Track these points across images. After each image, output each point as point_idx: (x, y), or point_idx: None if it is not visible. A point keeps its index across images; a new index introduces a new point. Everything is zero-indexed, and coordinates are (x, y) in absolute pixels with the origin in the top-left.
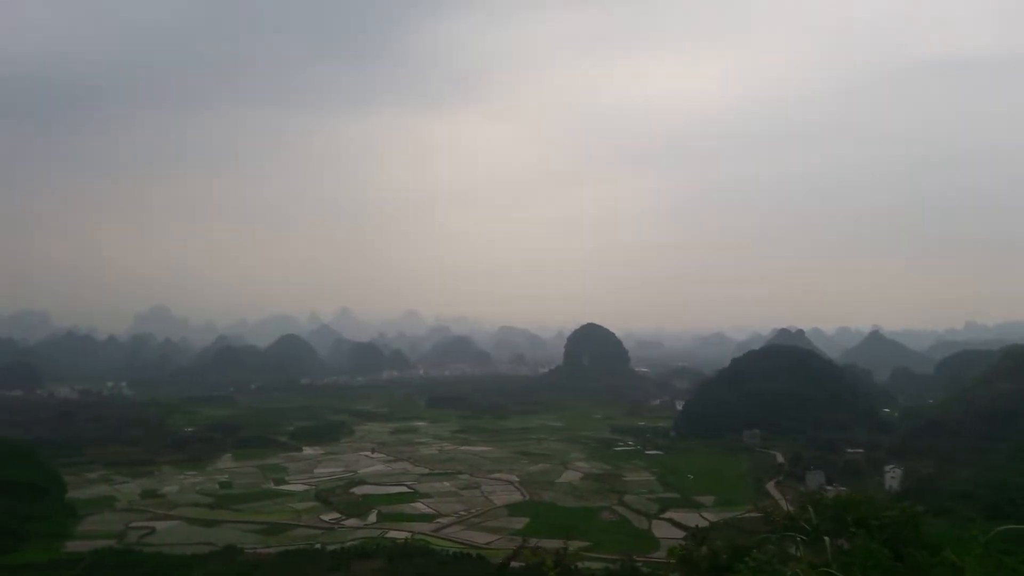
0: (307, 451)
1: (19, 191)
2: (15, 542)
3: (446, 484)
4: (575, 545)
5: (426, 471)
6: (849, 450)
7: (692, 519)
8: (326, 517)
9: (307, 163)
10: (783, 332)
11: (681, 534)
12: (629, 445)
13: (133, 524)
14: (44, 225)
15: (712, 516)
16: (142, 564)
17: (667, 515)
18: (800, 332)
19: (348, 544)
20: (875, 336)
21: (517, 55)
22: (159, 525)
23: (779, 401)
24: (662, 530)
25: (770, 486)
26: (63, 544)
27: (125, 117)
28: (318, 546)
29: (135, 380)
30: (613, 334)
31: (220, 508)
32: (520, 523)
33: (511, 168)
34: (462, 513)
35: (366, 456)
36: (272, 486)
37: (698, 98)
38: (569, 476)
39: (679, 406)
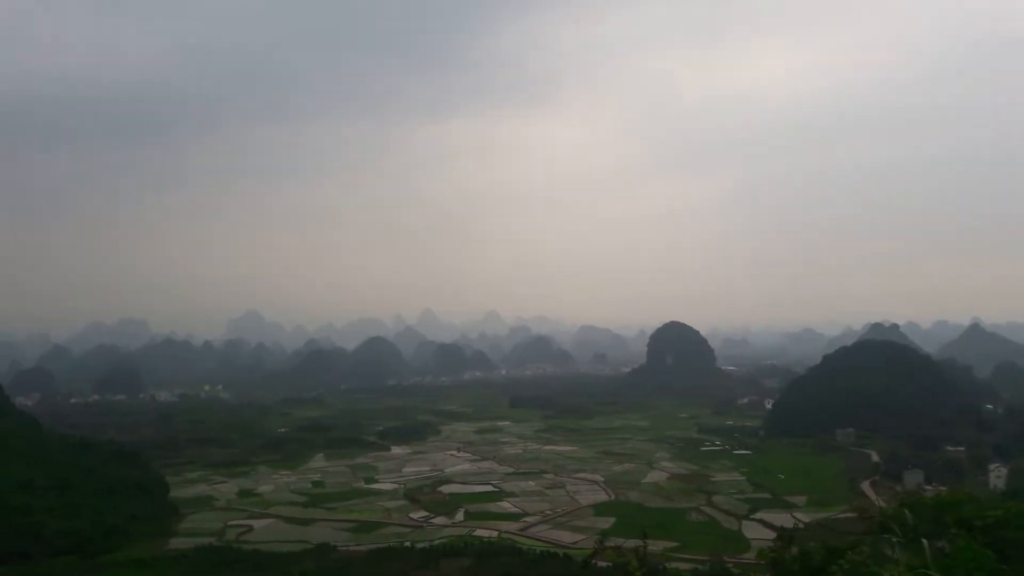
0: (395, 450)
1: (122, 205)
2: (123, 539)
3: (531, 483)
4: (663, 545)
5: (511, 470)
6: (949, 448)
7: (784, 520)
8: (415, 515)
9: (388, 170)
10: (877, 327)
11: (772, 535)
12: (716, 445)
13: (231, 522)
14: (143, 237)
15: (804, 517)
16: (241, 561)
17: (757, 516)
18: (895, 327)
19: (437, 542)
20: (975, 329)
21: (591, 53)
22: (256, 523)
23: (874, 398)
24: (752, 531)
25: (865, 486)
26: (167, 541)
27: (218, 133)
28: (408, 544)
29: (230, 383)
30: (697, 332)
31: (313, 507)
32: (606, 523)
33: (589, 166)
34: (548, 512)
35: (452, 455)
36: (362, 485)
37: (780, 87)
38: (655, 476)
39: (768, 405)
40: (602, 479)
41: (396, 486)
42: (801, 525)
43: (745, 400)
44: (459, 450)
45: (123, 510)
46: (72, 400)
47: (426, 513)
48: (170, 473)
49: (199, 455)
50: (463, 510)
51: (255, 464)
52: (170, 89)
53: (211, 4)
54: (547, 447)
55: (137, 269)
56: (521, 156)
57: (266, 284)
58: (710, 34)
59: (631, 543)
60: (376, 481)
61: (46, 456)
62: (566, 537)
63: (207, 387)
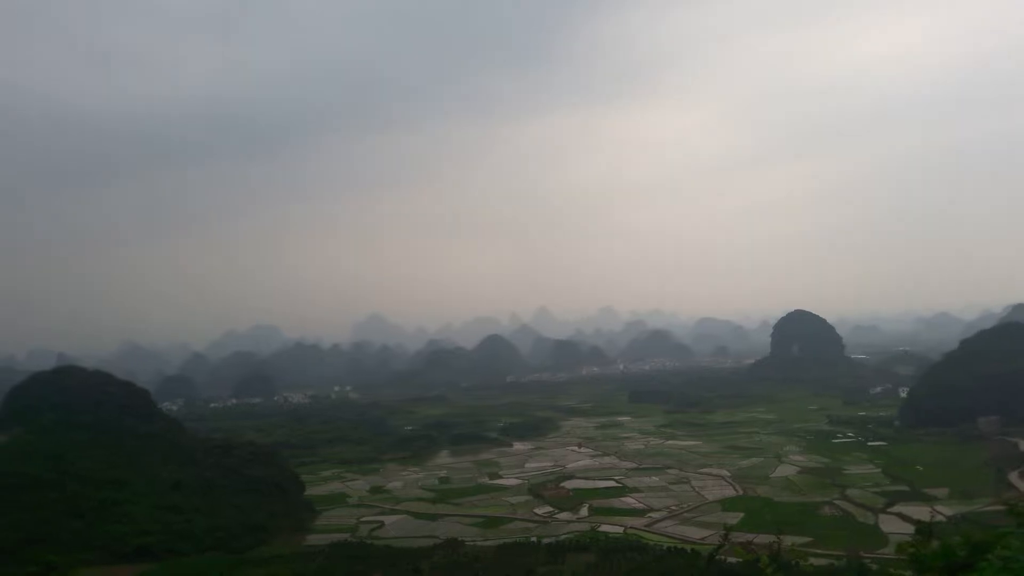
0: (517, 446)
1: (247, 217)
2: (263, 536)
3: (655, 479)
4: (794, 541)
5: (634, 466)
6: None
7: (924, 513)
8: (539, 511)
9: (498, 169)
10: (1019, 308)
11: (911, 529)
12: (849, 436)
13: (364, 519)
14: (270, 247)
15: (947, 510)
16: (374, 556)
17: (895, 509)
18: None
19: (562, 537)
20: None
21: (698, 39)
22: (387, 519)
23: (1020, 384)
24: (890, 525)
25: (1013, 476)
26: (304, 537)
27: (331, 144)
28: (534, 539)
29: (358, 384)
30: (824, 320)
31: (441, 502)
32: (735, 518)
33: (702, 155)
34: (673, 508)
35: (573, 451)
36: (487, 481)
37: (899, 62)
38: (784, 470)
39: (903, 393)
40: (729, 474)
41: (519, 482)
42: (943, 519)
43: (878, 389)
44: (580, 446)
45: (263, 508)
46: (212, 404)
47: (550, 509)
48: (305, 472)
49: (332, 454)
50: (587, 506)
51: (384, 461)
52: (284, 104)
53: (318, 22)
54: (669, 442)
55: (267, 278)
56: (631, 147)
57: (387, 287)
58: (822, 12)
59: (761, 538)
60: (500, 477)
61: (191, 458)
62: (693, 533)
63: (336, 388)
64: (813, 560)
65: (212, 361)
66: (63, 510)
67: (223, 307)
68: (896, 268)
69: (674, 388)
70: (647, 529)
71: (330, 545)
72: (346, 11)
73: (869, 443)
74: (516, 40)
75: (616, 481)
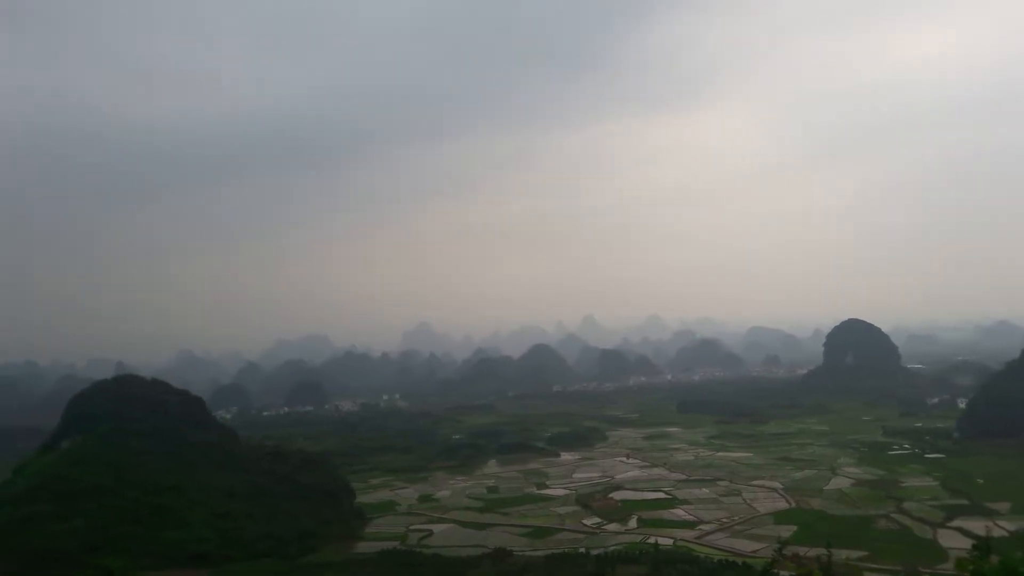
0: (564, 456)
1: (296, 229)
2: (315, 543)
3: (705, 490)
4: (849, 555)
5: (683, 477)
6: None
7: (984, 528)
8: (588, 521)
9: (543, 179)
10: None
11: (972, 544)
12: (905, 448)
13: (413, 527)
14: (319, 258)
15: (1008, 524)
16: (423, 564)
17: (955, 523)
18: None
19: (611, 549)
20: None
21: (743, 47)
22: (436, 528)
23: None
24: (950, 539)
25: None
26: (355, 545)
27: (380, 156)
28: (583, 550)
29: (407, 393)
30: (879, 329)
31: (489, 511)
32: (787, 531)
33: (750, 160)
34: (724, 520)
35: (621, 461)
36: (535, 490)
37: (948, 64)
38: (838, 482)
39: (962, 404)
40: (781, 486)
41: (567, 492)
42: (1004, 533)
43: (935, 400)
44: (628, 456)
45: (315, 515)
46: (264, 413)
47: (599, 519)
48: (355, 479)
49: (381, 462)
50: (636, 517)
51: (433, 470)
52: (331, 117)
53: (363, 35)
54: (720, 453)
55: (317, 288)
56: (678, 155)
57: (435, 297)
58: (867, 16)
59: (814, 552)
60: (547, 487)
61: (244, 465)
62: (745, 546)
63: (385, 397)
64: (868, 575)
65: (265, 370)
66: (122, 516)
67: (275, 317)
68: (954, 275)
69: (724, 398)
70: (698, 541)
71: (380, 553)
72: (390, 24)
73: (927, 455)
74: (561, 49)
75: (665, 492)
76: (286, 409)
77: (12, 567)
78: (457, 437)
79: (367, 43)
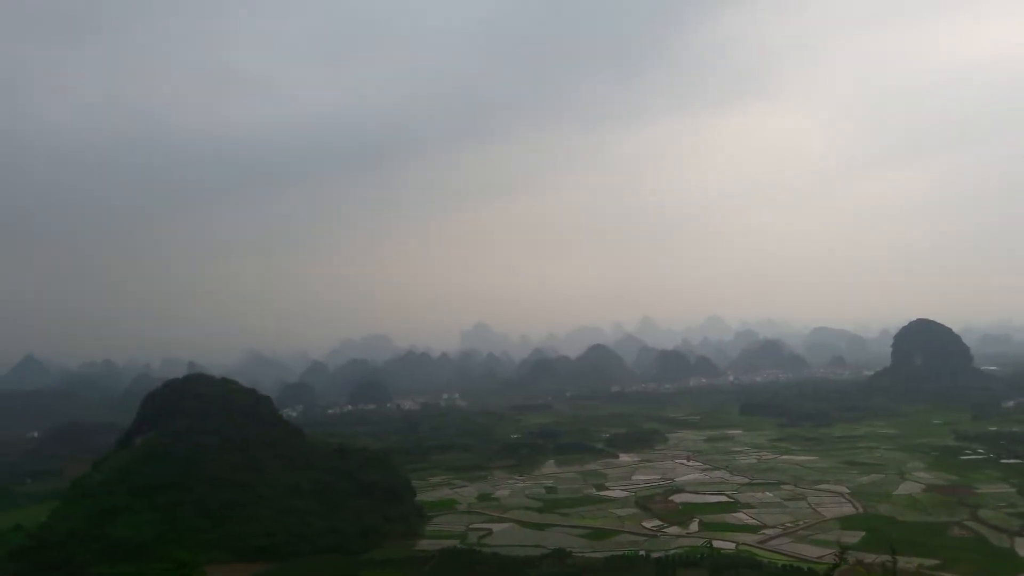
0: (623, 458)
1: (357, 232)
2: (378, 539)
3: (768, 494)
4: (920, 563)
5: (746, 480)
6: None
7: None
8: (648, 524)
9: (600, 179)
10: None
11: None
12: (979, 453)
13: (473, 525)
14: (380, 259)
15: None
16: (483, 563)
17: None
18: None
19: (672, 552)
20: None
21: (805, 40)
22: (495, 527)
23: None
24: None
25: None
26: (416, 542)
27: (438, 158)
28: (642, 553)
29: (466, 392)
30: (949, 329)
31: (548, 512)
32: (854, 537)
33: (812, 159)
34: (788, 525)
35: (682, 464)
36: (594, 492)
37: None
38: (908, 487)
39: None
40: (847, 490)
41: (627, 494)
42: None
43: (1011, 403)
44: (689, 459)
45: (377, 512)
46: (329, 411)
47: (659, 522)
48: (416, 477)
49: (441, 460)
50: (697, 520)
51: (492, 469)
52: (391, 120)
53: (416, 38)
54: (783, 457)
55: (379, 289)
56: (739, 152)
57: (493, 297)
58: (940, 5)
59: (880, 559)
60: (606, 488)
61: (309, 462)
62: (809, 551)
63: (445, 396)
64: None
65: (329, 369)
66: (192, 510)
67: (339, 317)
68: None
69: (787, 400)
70: (761, 546)
71: (440, 551)
72: (447, 28)
73: (1002, 460)
74: (616, 48)
75: (727, 496)
76: (350, 407)
77: (91, 557)
78: (515, 436)
79: (424, 47)
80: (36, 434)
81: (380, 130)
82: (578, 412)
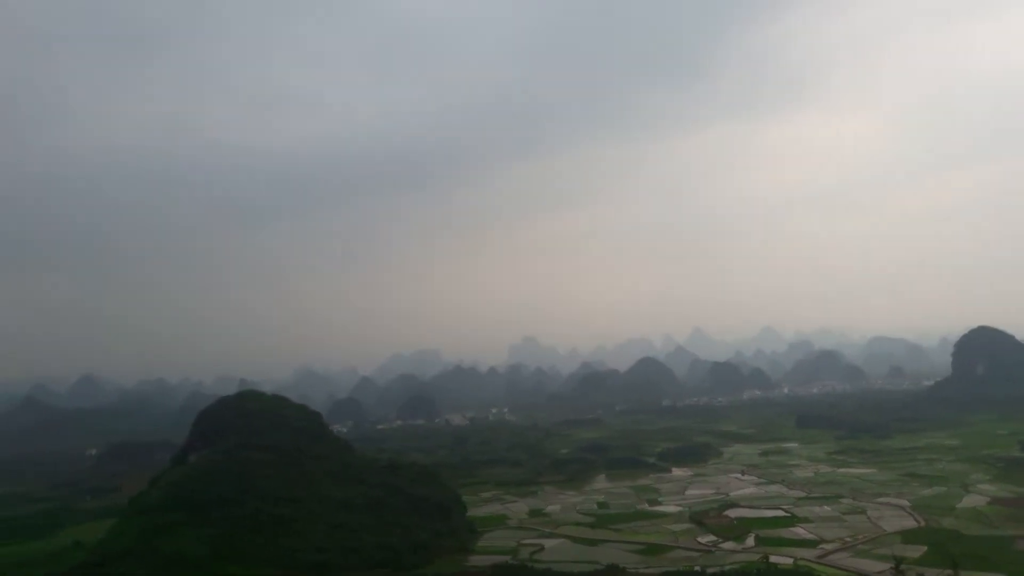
0: (676, 472)
1: (411, 246)
2: (429, 555)
3: (826, 508)
4: None
5: (803, 494)
6: None
7: None
8: (702, 539)
9: (648, 189)
10: None
11: None
12: None
13: (524, 541)
14: (426, 275)
15: None
16: None
17: None
18: None
19: (728, 568)
20: None
21: (857, 42)
22: (546, 543)
23: None
24: None
25: None
26: (467, 558)
27: (485, 172)
28: (698, 568)
29: (514, 406)
30: (1012, 336)
31: (600, 527)
32: (916, 552)
33: (867, 164)
34: (847, 540)
35: (736, 478)
36: (646, 507)
37: None
38: (972, 500)
39: None
40: (908, 504)
41: (680, 509)
42: None
43: None
44: (743, 473)
45: (428, 527)
46: (379, 426)
47: (714, 537)
48: (466, 493)
49: (490, 475)
50: (753, 535)
51: (542, 484)
52: (434, 138)
53: (465, 54)
54: (842, 470)
55: (427, 304)
56: (792, 158)
57: (540, 311)
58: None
59: (944, 574)
60: (659, 503)
61: (360, 477)
62: (870, 566)
63: (494, 410)
64: None
65: (379, 384)
66: (245, 526)
67: (388, 333)
68: None
69: (845, 412)
70: (819, 561)
71: (492, 567)
72: (494, 43)
73: None
74: (666, 56)
75: (784, 510)
76: (399, 422)
77: (147, 573)
78: (565, 451)
79: (470, 61)
80: (94, 451)
81: (427, 145)
82: (628, 426)
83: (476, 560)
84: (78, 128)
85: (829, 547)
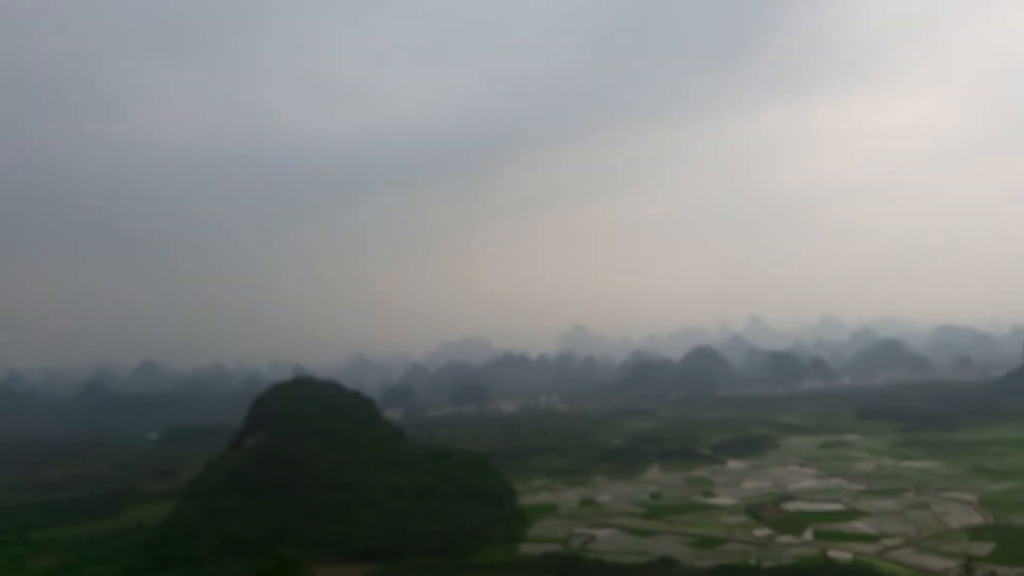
0: (731, 464)
1: (460, 232)
2: (480, 542)
3: (888, 502)
4: None
5: (863, 488)
6: None
7: None
8: (758, 532)
9: (702, 172)
10: None
11: None
12: None
13: (575, 530)
14: (481, 259)
15: None
16: (587, 570)
17: None
18: None
19: (785, 562)
20: None
21: (918, 20)
22: (598, 533)
23: None
24: None
25: None
26: (518, 546)
27: (533, 158)
28: (753, 562)
29: (564, 395)
30: None
31: (652, 518)
32: (984, 549)
33: (929, 146)
34: (910, 535)
35: (794, 471)
36: (700, 499)
37: None
38: None
39: None
40: (975, 499)
41: (735, 501)
42: None
43: None
44: (801, 465)
45: (479, 515)
46: (430, 413)
47: (770, 531)
48: (516, 481)
49: (541, 464)
50: (811, 529)
51: (593, 474)
52: (483, 124)
53: (512, 38)
54: (905, 463)
55: (477, 291)
56: (851, 140)
57: (591, 298)
58: None
59: (1015, 572)
60: (714, 495)
61: (411, 464)
62: (934, 563)
63: (544, 398)
64: None
65: (429, 371)
66: (299, 510)
67: (438, 320)
68: None
69: (909, 404)
70: (880, 556)
71: (543, 556)
72: (544, 23)
73: None
74: (720, 36)
75: (844, 504)
76: (449, 409)
77: (204, 553)
78: (617, 441)
79: (518, 46)
80: (155, 435)
81: (478, 131)
82: (682, 417)
83: (527, 548)
84: (128, 124)
85: (891, 542)
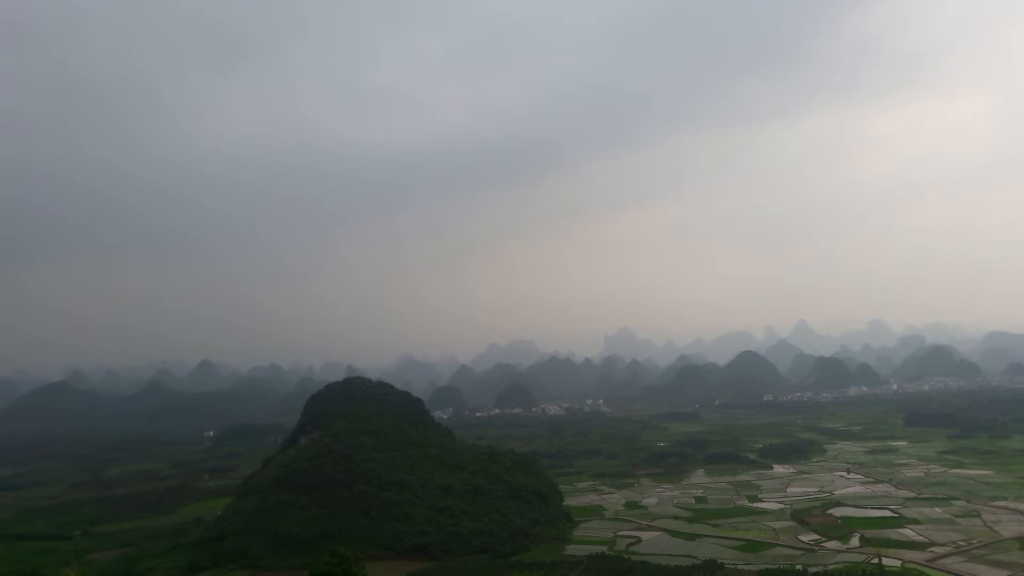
0: (777, 469)
1: (508, 238)
2: (526, 542)
3: (937, 510)
4: None
5: (912, 495)
6: None
7: None
8: (804, 538)
9: (748, 177)
10: None
11: None
12: None
13: (621, 532)
14: (529, 264)
15: None
16: (632, 571)
17: None
18: None
19: (831, 568)
20: None
21: (969, 21)
22: (643, 535)
23: None
24: None
25: None
26: (564, 547)
27: (577, 164)
28: (799, 567)
29: (609, 398)
30: None
31: (698, 522)
32: None
33: (983, 148)
34: (960, 543)
35: (841, 476)
36: (746, 503)
37: None
38: None
39: None
40: None
41: (781, 506)
42: None
43: None
44: (848, 471)
45: (525, 515)
46: (477, 414)
47: (816, 536)
48: (563, 482)
49: (586, 465)
50: (858, 535)
51: (638, 476)
52: (529, 132)
53: (559, 47)
54: (954, 470)
55: (524, 295)
56: (900, 146)
57: (636, 302)
58: None
59: None
60: (759, 500)
61: (460, 463)
62: (985, 572)
63: (589, 401)
64: None
65: (477, 373)
66: (352, 508)
67: (486, 323)
68: None
69: (959, 410)
70: (929, 564)
71: (589, 557)
72: (587, 31)
73: None
74: (766, 41)
75: (892, 511)
76: (497, 411)
77: (260, 549)
78: (662, 445)
79: (562, 54)
80: (211, 433)
81: (521, 138)
82: (728, 421)
83: (573, 550)
84: (184, 138)
85: (940, 550)
